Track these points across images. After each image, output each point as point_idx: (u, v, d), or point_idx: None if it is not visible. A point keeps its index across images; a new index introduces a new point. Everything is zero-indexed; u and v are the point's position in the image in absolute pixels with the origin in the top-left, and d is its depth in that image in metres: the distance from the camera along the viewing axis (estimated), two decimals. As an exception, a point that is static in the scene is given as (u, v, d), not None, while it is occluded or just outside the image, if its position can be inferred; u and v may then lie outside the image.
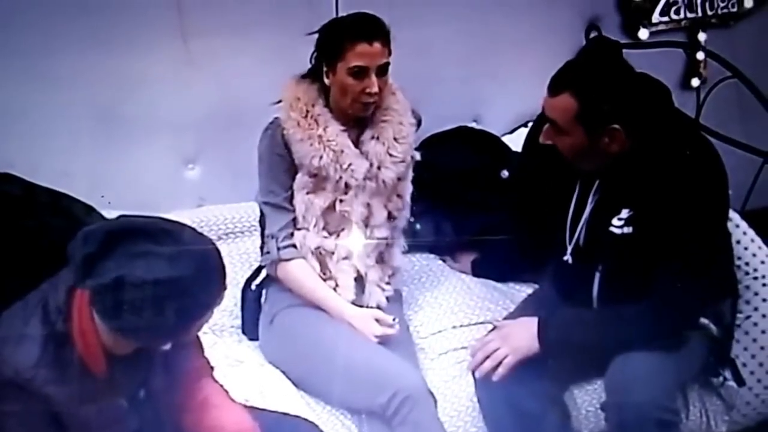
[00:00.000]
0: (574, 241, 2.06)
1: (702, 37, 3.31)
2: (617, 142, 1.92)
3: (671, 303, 1.92)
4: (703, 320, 2.07)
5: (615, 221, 1.98)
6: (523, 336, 1.99)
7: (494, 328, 2.11)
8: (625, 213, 1.97)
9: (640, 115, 1.91)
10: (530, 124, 2.97)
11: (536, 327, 1.99)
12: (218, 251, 1.48)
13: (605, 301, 2.04)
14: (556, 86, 1.92)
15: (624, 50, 2.00)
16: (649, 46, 3.08)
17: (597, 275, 2.04)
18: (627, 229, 1.97)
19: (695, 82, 3.31)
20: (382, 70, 2.05)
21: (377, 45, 2.02)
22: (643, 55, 2.00)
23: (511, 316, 2.25)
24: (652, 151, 1.95)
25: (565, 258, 2.08)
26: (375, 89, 2.03)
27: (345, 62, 2.02)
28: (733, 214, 2.31)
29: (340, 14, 2.18)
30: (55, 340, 1.40)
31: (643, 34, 3.20)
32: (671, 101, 2.04)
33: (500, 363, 1.99)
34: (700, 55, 3.30)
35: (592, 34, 3.12)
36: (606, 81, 1.91)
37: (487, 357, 2.01)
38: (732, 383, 2.21)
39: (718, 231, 2.03)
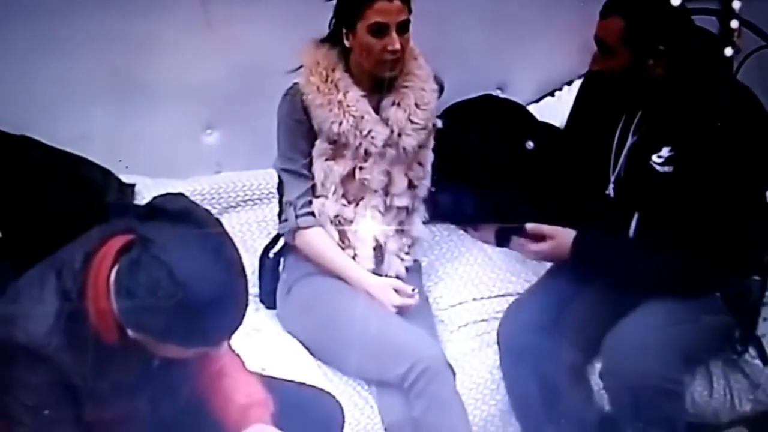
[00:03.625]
0: (615, 173, 2.08)
1: (736, 4, 3.21)
2: (661, 64, 1.96)
3: (698, 260, 1.92)
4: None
5: (655, 158, 2.02)
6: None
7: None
8: (665, 151, 2.01)
9: (685, 40, 1.98)
10: (557, 93, 2.92)
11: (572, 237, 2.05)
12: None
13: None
14: (606, 10, 2.01)
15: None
16: (682, 13, 3.00)
17: (636, 215, 2.04)
18: (667, 168, 2.00)
19: (729, 51, 3.20)
20: (403, 28, 2.01)
21: (397, 1, 1.99)
22: (675, 22, 1.97)
23: (533, 288, 2.24)
24: (696, 88, 1.97)
25: (607, 192, 2.09)
26: (397, 46, 1.99)
27: (365, 20, 1.98)
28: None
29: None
30: (69, 307, 1.39)
31: (675, 1, 3.10)
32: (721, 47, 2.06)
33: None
34: (734, 24, 3.20)
35: (622, 0, 3.03)
36: (653, 3, 2.01)
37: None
38: (757, 361, 2.19)
39: (759, 186, 2.02)
